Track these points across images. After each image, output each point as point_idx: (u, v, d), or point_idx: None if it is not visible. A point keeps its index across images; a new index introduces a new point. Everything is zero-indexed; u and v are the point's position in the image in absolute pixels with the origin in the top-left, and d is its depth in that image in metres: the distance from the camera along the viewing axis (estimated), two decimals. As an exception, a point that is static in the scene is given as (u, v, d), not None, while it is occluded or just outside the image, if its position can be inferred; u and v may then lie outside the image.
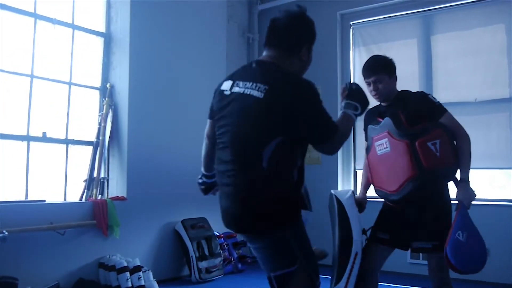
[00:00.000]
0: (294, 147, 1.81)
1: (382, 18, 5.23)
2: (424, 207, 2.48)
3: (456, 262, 2.30)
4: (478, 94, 4.62)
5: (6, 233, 3.15)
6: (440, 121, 2.51)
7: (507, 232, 4.29)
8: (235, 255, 4.91)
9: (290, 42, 1.91)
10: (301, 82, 1.82)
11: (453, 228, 2.36)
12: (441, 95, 4.84)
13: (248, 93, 1.79)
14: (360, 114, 2.03)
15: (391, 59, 2.77)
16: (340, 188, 5.30)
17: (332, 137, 1.85)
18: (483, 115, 4.60)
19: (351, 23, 5.42)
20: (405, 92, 2.68)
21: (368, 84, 2.65)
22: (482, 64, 4.62)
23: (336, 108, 5.36)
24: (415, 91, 2.70)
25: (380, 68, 2.65)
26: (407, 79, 5.01)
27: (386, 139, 2.51)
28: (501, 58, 4.55)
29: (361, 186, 2.97)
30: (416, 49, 5.03)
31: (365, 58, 5.23)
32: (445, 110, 2.56)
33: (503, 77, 4.54)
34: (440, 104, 2.58)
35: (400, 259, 4.76)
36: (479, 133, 4.56)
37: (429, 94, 2.62)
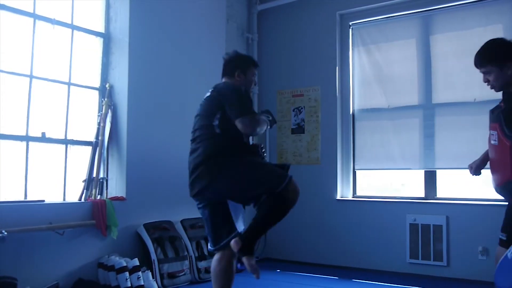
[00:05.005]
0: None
1: (381, 18, 5.24)
2: None
3: (497, 280, 2.32)
4: (477, 94, 4.62)
5: (5, 233, 3.15)
6: None
7: (506, 232, 4.29)
8: (235, 255, 4.91)
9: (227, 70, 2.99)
10: (226, 83, 2.93)
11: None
12: (440, 95, 4.86)
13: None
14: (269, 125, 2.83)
15: (504, 46, 2.59)
16: (339, 188, 5.31)
17: (244, 115, 2.57)
18: (482, 115, 4.57)
19: (350, 23, 5.42)
20: None
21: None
22: (481, 64, 4.62)
23: (335, 107, 5.38)
24: None
25: (486, 61, 2.56)
26: (406, 79, 5.03)
27: (496, 132, 2.49)
28: (500, 58, 4.55)
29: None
30: (415, 49, 5.03)
31: (364, 58, 5.32)
32: None
33: (502, 77, 4.54)
34: None
35: (400, 259, 4.77)
36: (478, 133, 4.55)
37: None
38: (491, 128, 2.57)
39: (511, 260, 2.25)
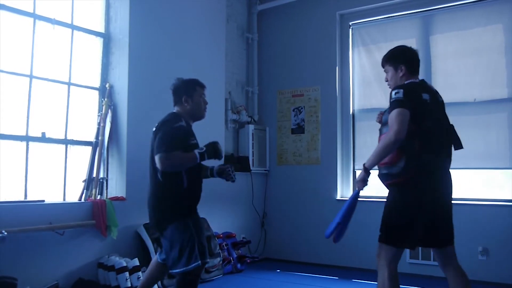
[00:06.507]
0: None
1: (381, 18, 5.24)
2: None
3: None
4: (477, 94, 4.63)
5: (6, 233, 3.15)
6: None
7: (506, 232, 4.29)
8: (234, 255, 4.91)
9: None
10: (165, 118, 2.94)
11: None
12: (441, 95, 4.86)
13: None
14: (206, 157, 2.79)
15: (401, 50, 2.89)
16: (339, 188, 5.31)
17: (159, 153, 2.68)
18: (482, 115, 4.61)
19: (350, 23, 5.43)
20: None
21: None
22: (481, 64, 4.63)
23: (335, 107, 5.38)
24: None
25: (385, 61, 2.84)
26: (406, 79, 5.03)
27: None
28: (500, 58, 4.56)
29: None
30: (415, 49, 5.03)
31: (364, 58, 5.32)
32: (395, 107, 2.50)
33: (502, 77, 4.55)
34: (397, 100, 2.52)
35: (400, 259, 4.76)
36: (478, 133, 4.57)
37: (398, 88, 2.59)
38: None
39: (335, 219, 2.75)
